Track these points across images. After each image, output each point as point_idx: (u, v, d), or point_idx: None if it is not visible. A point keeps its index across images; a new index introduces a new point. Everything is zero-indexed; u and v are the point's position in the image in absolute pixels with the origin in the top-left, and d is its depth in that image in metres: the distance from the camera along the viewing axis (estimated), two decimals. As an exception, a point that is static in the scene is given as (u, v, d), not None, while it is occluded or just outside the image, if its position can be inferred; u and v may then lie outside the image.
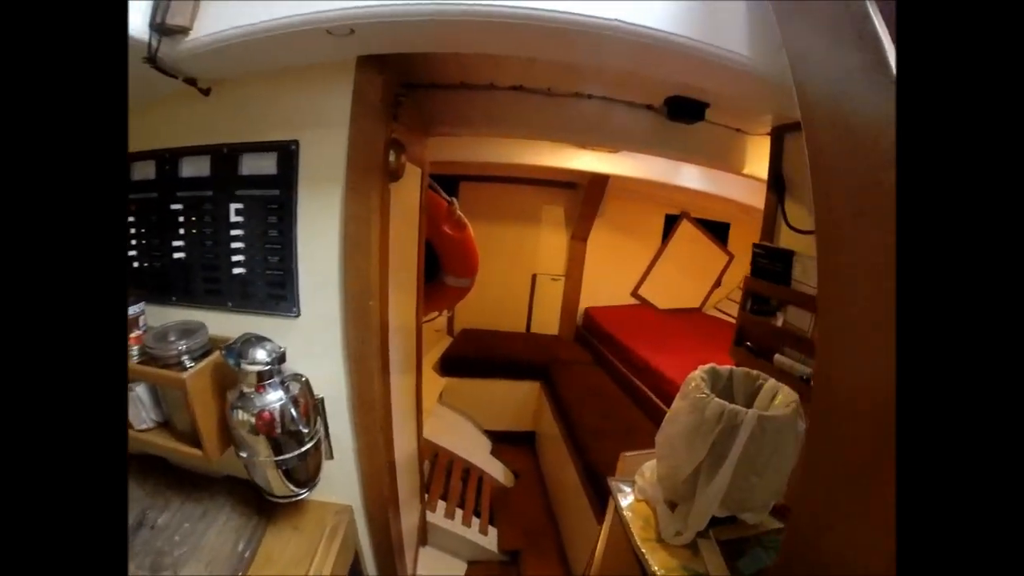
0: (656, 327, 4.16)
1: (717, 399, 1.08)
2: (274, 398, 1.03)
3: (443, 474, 3.24)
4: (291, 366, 1.11)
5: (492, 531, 3.00)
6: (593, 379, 3.62)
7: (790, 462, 1.05)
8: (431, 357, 3.93)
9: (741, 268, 5.08)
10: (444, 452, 3.40)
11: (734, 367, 1.46)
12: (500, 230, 4.31)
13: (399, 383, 1.64)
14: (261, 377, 1.03)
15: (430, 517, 2.78)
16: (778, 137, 1.95)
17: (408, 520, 1.95)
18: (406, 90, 1.09)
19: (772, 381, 1.31)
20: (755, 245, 1.95)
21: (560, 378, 3.57)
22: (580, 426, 2.94)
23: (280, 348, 1.04)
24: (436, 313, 2.75)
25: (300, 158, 1.04)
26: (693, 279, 4.96)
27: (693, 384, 1.24)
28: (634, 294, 4.79)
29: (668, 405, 2.75)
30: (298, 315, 1.12)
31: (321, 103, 1.03)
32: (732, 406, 1.05)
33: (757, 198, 3.55)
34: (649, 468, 1.52)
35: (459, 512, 2.97)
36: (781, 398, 1.22)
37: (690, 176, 3.24)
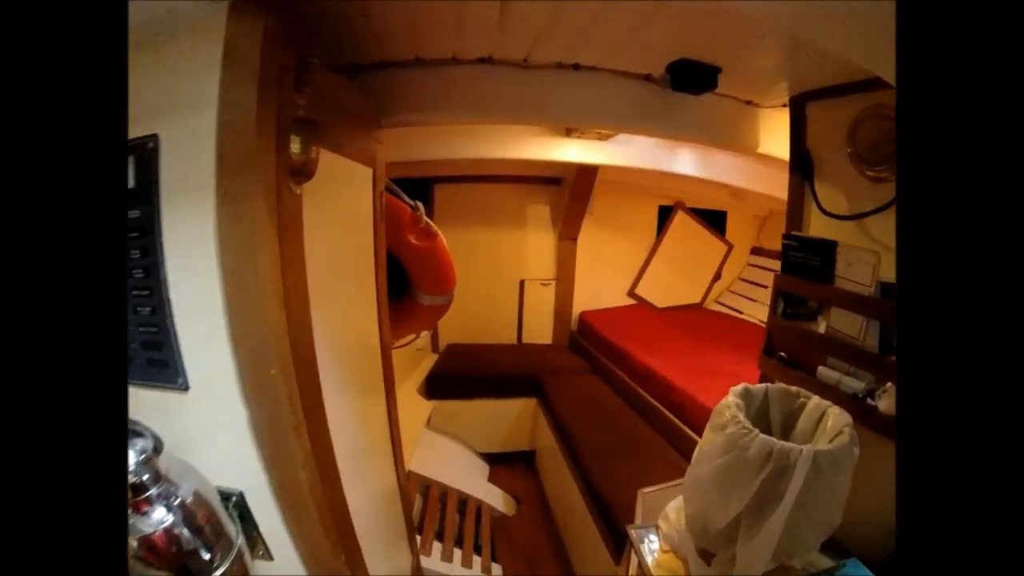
0: (657, 328, 3.86)
1: (763, 435, 0.91)
2: (160, 517, 0.70)
3: (437, 509, 2.93)
4: (187, 454, 0.77)
5: (496, 568, 2.70)
6: (592, 390, 3.31)
7: (844, 494, 0.93)
8: (415, 378, 3.62)
9: (741, 258, 4.81)
10: (436, 485, 3.09)
11: (770, 385, 1.27)
12: (482, 235, 3.99)
13: (356, 425, 1.32)
14: (135, 491, 0.69)
15: (425, 562, 2.45)
16: (798, 108, 1.65)
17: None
18: (321, 53, 0.77)
19: (816, 399, 1.16)
20: (786, 236, 1.64)
21: (556, 392, 3.26)
22: (582, 447, 2.64)
23: (151, 444, 0.69)
24: (412, 336, 2.41)
25: (161, 160, 0.70)
26: (692, 273, 4.68)
27: (728, 414, 1.05)
28: (631, 294, 4.49)
29: (676, 415, 2.49)
30: (185, 387, 0.78)
31: (185, 76, 0.69)
32: (782, 444, 0.89)
33: (755, 180, 3.28)
34: (674, 509, 1.31)
35: (457, 552, 2.66)
36: (832, 421, 1.06)
37: (685, 161, 2.94)
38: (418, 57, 1.47)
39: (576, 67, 1.49)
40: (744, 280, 4.75)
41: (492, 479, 3.45)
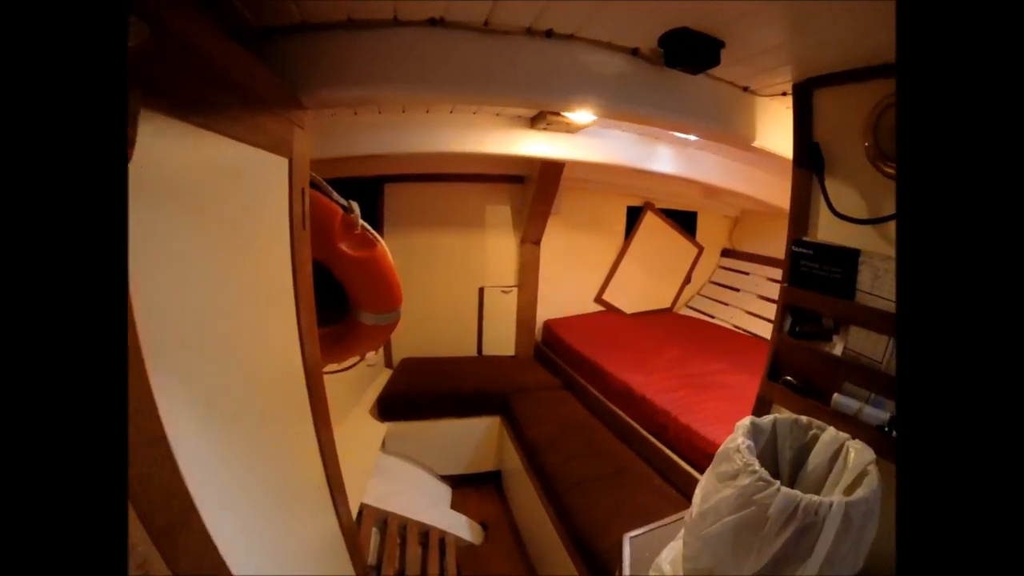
0: (628, 337, 3.64)
1: (786, 490, 0.80)
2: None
3: (396, 544, 2.61)
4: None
5: (465, 606, 2.41)
6: (564, 409, 3.05)
7: (871, 539, 0.85)
8: (367, 398, 3.29)
9: (711, 261, 4.68)
10: (394, 517, 2.77)
11: (779, 416, 1.14)
12: (437, 239, 3.68)
13: (266, 473, 1.01)
14: None
15: (387, 608, 2.16)
16: (803, 95, 1.44)
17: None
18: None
19: (831, 431, 1.06)
20: (797, 242, 1.41)
21: (523, 411, 2.99)
22: (556, 477, 2.38)
23: None
24: (357, 358, 2.09)
25: None
26: (662, 277, 4.50)
27: (740, 461, 0.90)
28: (598, 300, 4.27)
29: (660, 438, 2.37)
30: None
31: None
32: (809, 498, 0.79)
33: (736, 179, 3.11)
34: (670, 562, 1.16)
35: (423, 592, 2.36)
36: (854, 457, 0.97)
37: (664, 158, 2.72)
38: (351, 18, 1.17)
39: (549, 34, 1.21)
40: (715, 283, 4.62)
41: (456, 504, 3.15)
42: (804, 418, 1.12)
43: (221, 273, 0.84)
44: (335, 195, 1.42)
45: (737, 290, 4.36)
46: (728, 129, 1.61)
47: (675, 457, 2.34)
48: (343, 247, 1.42)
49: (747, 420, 1.10)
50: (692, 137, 2.60)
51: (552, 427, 2.79)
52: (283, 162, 1.14)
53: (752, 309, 4.10)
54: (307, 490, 1.36)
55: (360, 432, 3.03)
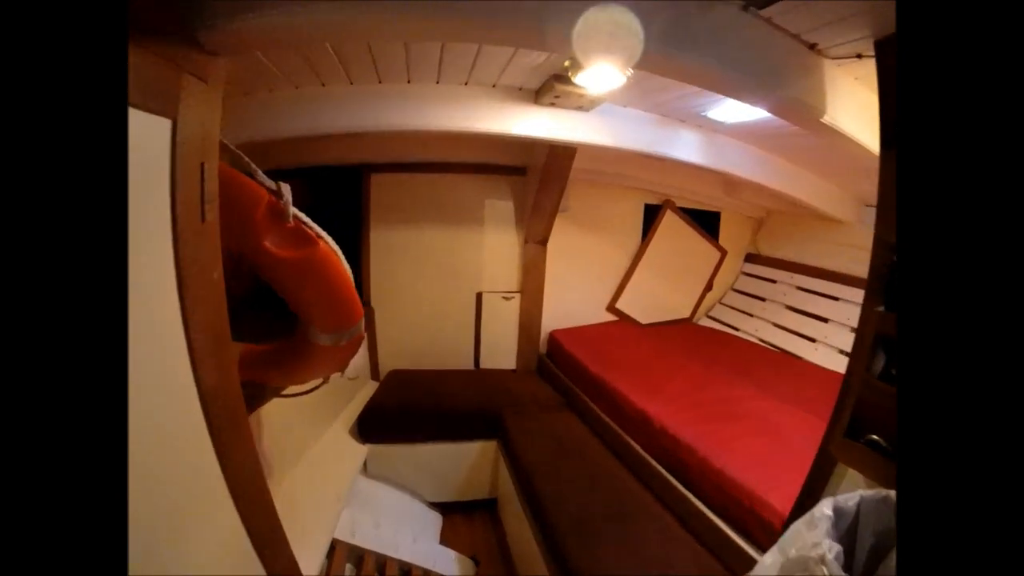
0: (644, 352, 3.26)
1: None
2: None
3: None
4: None
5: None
6: (567, 433, 2.68)
7: None
8: (349, 413, 2.93)
9: (734, 266, 4.31)
10: (371, 554, 2.43)
11: (864, 493, 0.87)
12: (429, 237, 3.32)
13: None
14: None
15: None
16: (889, 57, 1.07)
17: None
18: None
19: None
20: (895, 248, 1.04)
21: (522, 437, 2.62)
22: (553, 514, 2.02)
23: None
24: (318, 382, 1.76)
25: None
26: (681, 284, 4.12)
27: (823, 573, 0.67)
28: (611, 308, 3.89)
29: (680, 478, 1.96)
30: None
31: None
32: None
33: (766, 173, 2.71)
34: None
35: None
36: None
37: (687, 144, 2.35)
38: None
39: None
40: (738, 291, 4.23)
41: (446, 534, 2.82)
42: (894, 494, 0.85)
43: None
44: (260, 174, 1.06)
45: (762, 299, 3.97)
46: (790, 95, 1.24)
47: (697, 502, 1.97)
48: (268, 245, 1.06)
49: (828, 507, 0.82)
50: (723, 119, 2.24)
51: (551, 452, 2.43)
52: (162, 125, 0.79)
53: (779, 321, 3.71)
54: (213, 551, 1.02)
55: (335, 454, 2.68)
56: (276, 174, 1.12)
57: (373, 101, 1.98)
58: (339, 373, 1.92)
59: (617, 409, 2.57)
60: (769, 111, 1.38)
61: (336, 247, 1.32)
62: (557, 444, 2.52)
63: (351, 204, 3.27)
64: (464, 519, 2.95)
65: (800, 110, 1.29)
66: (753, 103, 1.38)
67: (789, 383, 2.82)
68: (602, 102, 1.99)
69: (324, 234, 1.28)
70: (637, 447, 2.35)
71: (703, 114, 2.18)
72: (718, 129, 2.45)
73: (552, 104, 1.98)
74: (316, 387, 1.96)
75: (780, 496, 1.71)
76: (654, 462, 2.23)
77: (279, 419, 2.10)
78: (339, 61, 1.79)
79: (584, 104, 1.97)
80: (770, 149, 2.75)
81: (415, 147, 2.98)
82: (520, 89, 2.00)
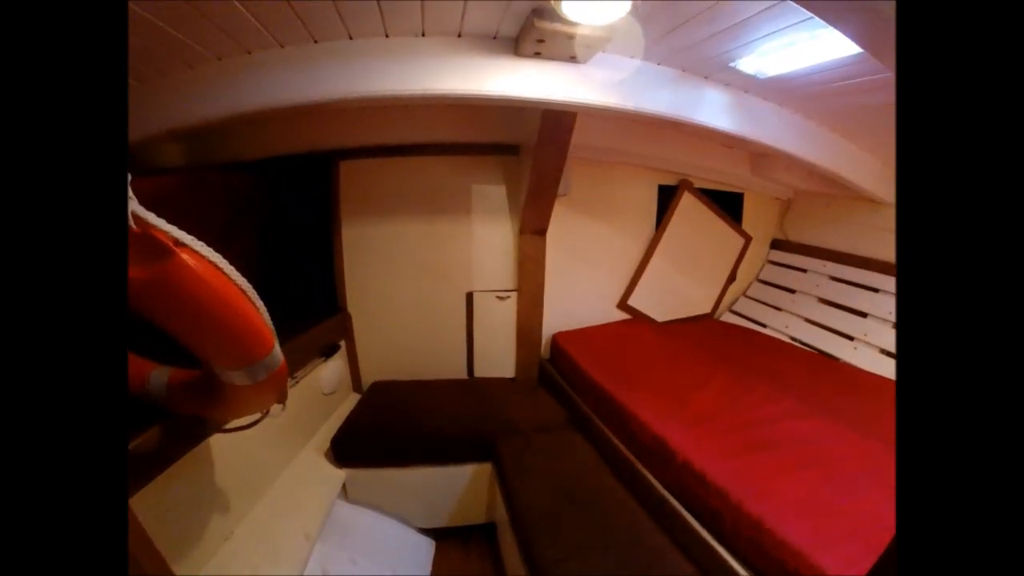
0: (660, 357, 2.82)
1: None
2: None
3: None
4: None
5: None
6: (572, 469, 2.23)
7: None
8: (324, 434, 2.55)
9: (759, 254, 3.85)
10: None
11: None
12: (409, 229, 2.89)
13: None
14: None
15: None
16: None
17: None
18: None
19: None
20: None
21: (517, 478, 2.17)
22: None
23: None
24: (256, 416, 1.38)
25: None
26: (701, 275, 3.66)
27: None
28: (622, 306, 3.44)
29: (703, 520, 1.71)
30: None
31: None
32: None
33: (804, 143, 2.14)
34: None
35: None
36: None
37: (714, 106, 1.90)
38: None
39: None
40: (764, 282, 3.76)
41: (440, 562, 2.46)
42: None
43: None
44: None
45: (792, 291, 3.51)
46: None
47: (734, 563, 1.54)
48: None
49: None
50: (757, 72, 1.78)
51: (553, 499, 1.99)
52: None
53: (812, 316, 3.25)
54: None
55: (308, 483, 2.30)
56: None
57: (307, 66, 1.56)
58: (280, 406, 1.54)
59: (632, 436, 2.13)
60: (857, 40, 0.93)
61: (215, 256, 0.90)
62: (561, 485, 2.07)
63: (320, 197, 2.86)
64: (460, 545, 2.58)
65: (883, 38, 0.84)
66: (842, 24, 0.92)
67: (831, 393, 2.38)
68: (601, 47, 1.53)
69: (190, 240, 0.86)
70: (656, 485, 1.92)
71: (732, 64, 1.73)
72: (749, 87, 1.99)
73: (537, 55, 1.53)
74: (257, 421, 1.57)
75: (835, 559, 1.30)
76: (679, 506, 1.79)
77: (242, 444, 1.75)
78: (255, 19, 1.38)
79: (578, 52, 1.52)
80: (809, 114, 2.29)
81: (388, 126, 2.55)
82: (495, 38, 1.56)
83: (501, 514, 2.28)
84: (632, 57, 1.69)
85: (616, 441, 2.22)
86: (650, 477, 1.95)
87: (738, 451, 1.84)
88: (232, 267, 0.92)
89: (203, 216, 2.14)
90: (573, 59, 1.57)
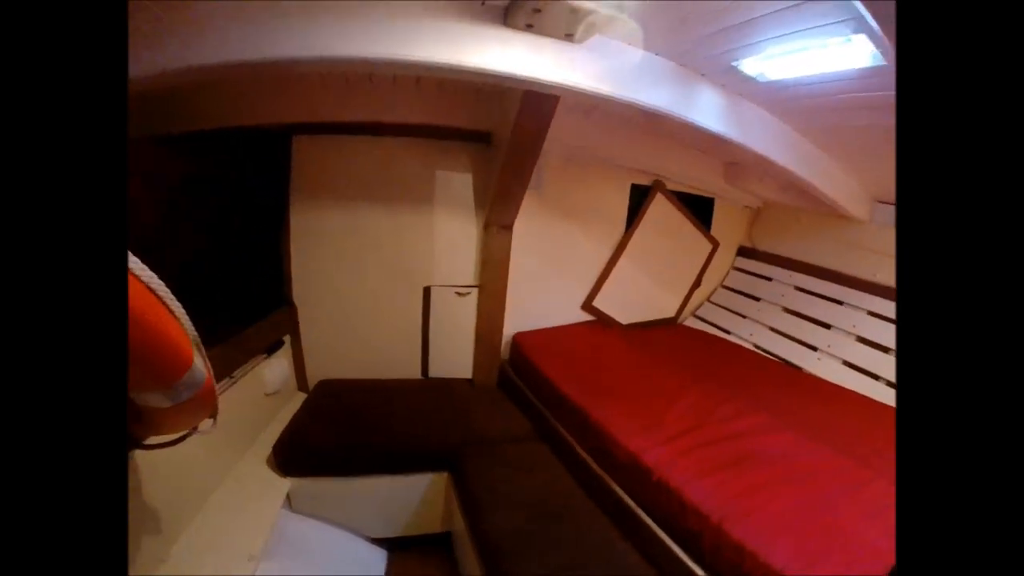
0: (627, 365, 2.73)
1: None
2: None
3: None
4: None
5: None
6: (540, 477, 2.10)
7: None
8: (266, 439, 2.29)
9: (725, 261, 3.83)
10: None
11: None
12: (367, 216, 2.67)
13: None
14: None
15: None
16: None
17: None
18: None
19: None
20: None
21: (484, 480, 2.05)
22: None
23: None
24: (182, 432, 1.15)
25: None
26: (667, 279, 3.60)
27: None
28: (587, 307, 3.33)
29: (680, 540, 1.65)
30: None
31: None
32: None
33: (790, 157, 2.06)
34: None
35: None
36: None
37: (709, 107, 1.79)
38: None
39: None
40: (729, 288, 3.75)
41: (394, 573, 2.28)
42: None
43: None
44: None
45: (757, 299, 3.50)
46: None
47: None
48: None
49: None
50: (758, 74, 1.69)
51: (524, 513, 1.85)
52: None
53: (777, 325, 3.26)
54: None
55: (248, 495, 2.05)
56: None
57: (262, 21, 1.33)
58: (210, 421, 1.33)
59: (604, 451, 2.01)
60: None
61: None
62: (531, 504, 1.91)
63: (270, 177, 2.59)
64: (418, 555, 2.39)
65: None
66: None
67: (800, 405, 2.36)
68: (604, 29, 1.38)
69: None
70: (632, 504, 1.81)
71: (734, 64, 1.62)
72: (743, 92, 1.90)
73: (529, 27, 1.36)
74: (183, 437, 1.34)
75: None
76: (656, 528, 1.69)
77: (172, 453, 1.50)
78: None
79: (575, 31, 1.37)
80: (797, 125, 2.24)
81: (349, 102, 2.32)
82: (483, 3, 1.37)
83: (459, 524, 2.12)
84: (630, 44, 1.54)
85: (586, 456, 2.10)
86: (625, 496, 1.84)
87: (714, 468, 1.76)
88: (144, 266, 0.72)
89: (135, 196, 1.87)
90: (569, 37, 1.41)
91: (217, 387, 1.22)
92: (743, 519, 1.48)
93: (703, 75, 1.75)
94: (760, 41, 1.50)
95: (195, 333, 0.88)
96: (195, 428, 1.33)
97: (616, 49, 1.52)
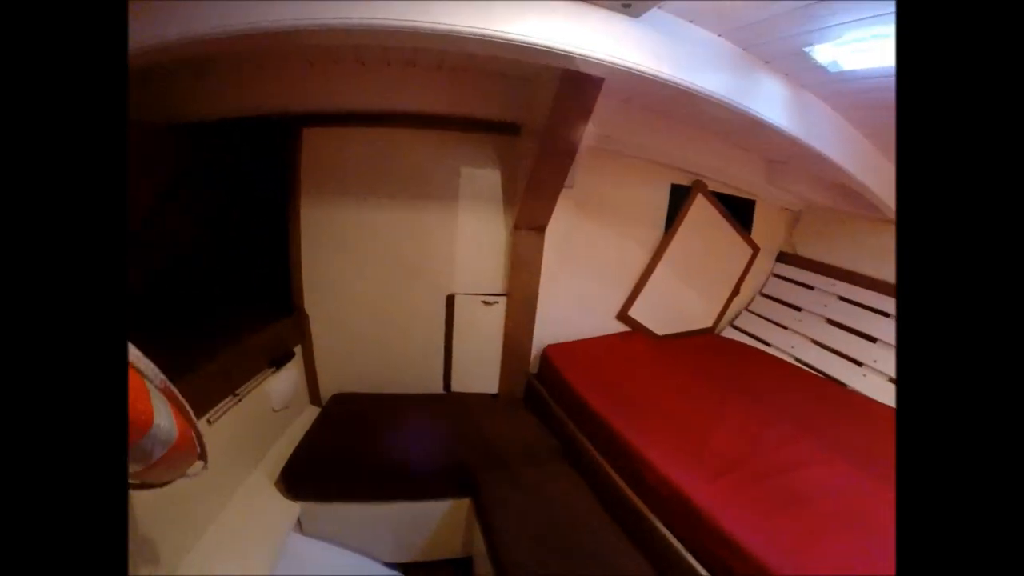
0: (662, 380, 2.52)
1: None
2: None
3: None
4: None
5: None
6: (565, 513, 1.91)
7: None
8: (274, 459, 2.14)
9: (763, 267, 3.60)
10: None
11: None
12: (383, 216, 2.49)
13: None
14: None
15: None
16: None
17: None
18: None
19: None
20: None
21: (501, 506, 1.88)
22: None
23: None
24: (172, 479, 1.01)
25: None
26: (704, 285, 3.38)
27: None
28: (622, 316, 3.12)
29: None
30: None
31: None
32: None
33: (850, 157, 1.77)
34: None
35: None
36: None
37: (772, 98, 1.59)
38: None
39: None
40: (767, 296, 3.52)
41: None
42: None
43: None
44: None
45: (798, 309, 3.27)
46: None
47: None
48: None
49: None
50: (830, 63, 1.48)
51: (546, 548, 1.67)
52: None
53: (818, 337, 3.02)
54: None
55: (253, 521, 1.88)
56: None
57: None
58: (200, 463, 1.16)
59: (641, 482, 1.81)
60: None
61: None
62: (554, 535, 1.75)
63: (278, 172, 2.44)
64: None
65: None
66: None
67: (851, 430, 2.14)
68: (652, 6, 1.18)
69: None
70: (675, 543, 1.60)
71: (806, 49, 1.41)
72: (805, 82, 1.69)
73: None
74: (171, 480, 1.18)
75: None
76: (702, 570, 1.49)
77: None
78: None
79: (628, 5, 1.16)
80: (859, 122, 2.02)
81: (363, 88, 2.14)
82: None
83: (479, 548, 1.95)
84: (690, 21, 1.34)
85: (621, 483, 1.90)
86: (668, 534, 1.63)
87: (770, 510, 1.56)
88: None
89: (132, 185, 1.71)
90: (627, 7, 1.21)
91: (202, 433, 1.06)
92: (803, 568, 1.31)
93: (767, 62, 1.54)
94: (835, 25, 1.31)
95: (161, 378, 0.72)
96: (180, 472, 1.17)
97: (675, 25, 1.32)
